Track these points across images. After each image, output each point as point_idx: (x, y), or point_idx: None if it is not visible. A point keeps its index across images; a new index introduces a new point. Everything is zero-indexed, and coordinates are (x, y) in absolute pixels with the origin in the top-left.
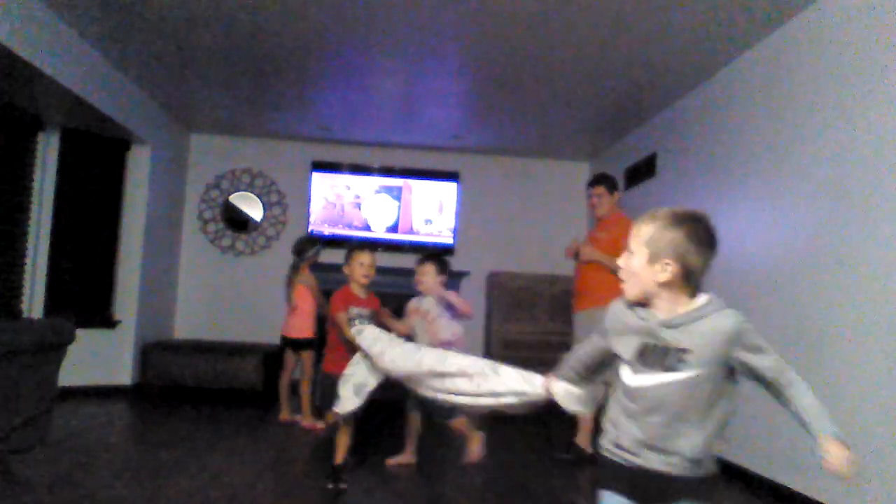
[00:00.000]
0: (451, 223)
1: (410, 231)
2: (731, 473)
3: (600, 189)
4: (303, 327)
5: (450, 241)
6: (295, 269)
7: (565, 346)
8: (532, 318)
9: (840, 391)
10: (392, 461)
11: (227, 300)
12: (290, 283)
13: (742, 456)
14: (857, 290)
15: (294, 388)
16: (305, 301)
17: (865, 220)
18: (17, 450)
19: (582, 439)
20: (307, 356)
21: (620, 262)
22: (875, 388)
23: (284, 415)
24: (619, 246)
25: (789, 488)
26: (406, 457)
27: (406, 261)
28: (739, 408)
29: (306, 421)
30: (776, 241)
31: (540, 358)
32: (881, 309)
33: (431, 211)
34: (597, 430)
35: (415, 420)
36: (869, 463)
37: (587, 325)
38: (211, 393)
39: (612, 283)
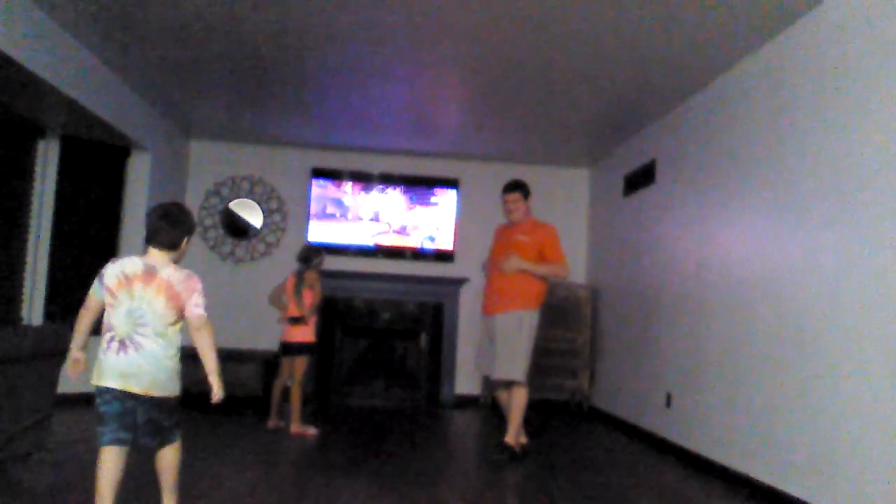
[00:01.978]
0: (451, 230)
1: (410, 238)
2: (732, 480)
3: (516, 195)
4: (307, 332)
5: (449, 247)
6: (301, 276)
7: (566, 352)
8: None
9: (836, 395)
10: None
11: (227, 307)
12: (297, 291)
13: (744, 463)
14: (856, 295)
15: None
16: (307, 304)
17: (865, 225)
18: (16, 455)
19: (510, 438)
20: (301, 362)
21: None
22: (873, 391)
23: (273, 422)
24: (543, 249)
25: (789, 493)
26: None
27: (406, 268)
28: (738, 413)
29: (296, 427)
30: (775, 248)
31: (539, 364)
32: (878, 315)
33: (431, 218)
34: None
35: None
36: (868, 465)
37: (514, 325)
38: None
39: (540, 286)
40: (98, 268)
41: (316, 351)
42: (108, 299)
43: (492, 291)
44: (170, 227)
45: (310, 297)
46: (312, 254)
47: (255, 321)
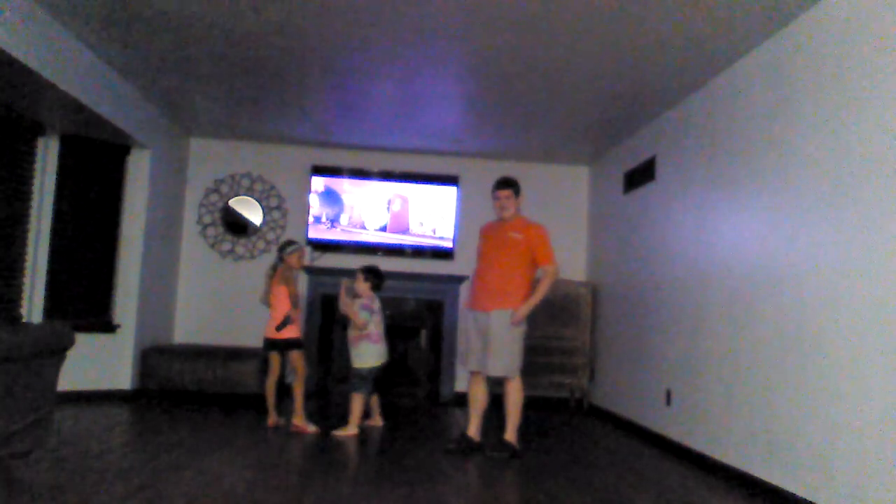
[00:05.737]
0: (451, 227)
1: (410, 235)
2: (731, 478)
3: (508, 192)
4: (292, 329)
5: (449, 245)
6: (274, 269)
7: (566, 349)
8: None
9: (838, 393)
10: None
11: (227, 304)
12: (267, 284)
13: (744, 460)
14: (856, 293)
15: (281, 391)
16: (282, 301)
17: (866, 222)
18: (16, 454)
19: (510, 435)
20: (297, 356)
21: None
22: (872, 390)
23: (272, 419)
24: (535, 249)
25: (788, 491)
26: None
27: (406, 265)
28: (737, 410)
29: (298, 422)
30: (776, 245)
31: (538, 362)
32: (880, 312)
33: (431, 215)
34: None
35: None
36: (868, 464)
37: (509, 323)
38: (210, 397)
39: (529, 288)
40: (98, 265)
41: (303, 345)
42: (372, 318)
43: (484, 288)
44: (381, 283)
45: (284, 293)
46: (283, 246)
47: (255, 319)
